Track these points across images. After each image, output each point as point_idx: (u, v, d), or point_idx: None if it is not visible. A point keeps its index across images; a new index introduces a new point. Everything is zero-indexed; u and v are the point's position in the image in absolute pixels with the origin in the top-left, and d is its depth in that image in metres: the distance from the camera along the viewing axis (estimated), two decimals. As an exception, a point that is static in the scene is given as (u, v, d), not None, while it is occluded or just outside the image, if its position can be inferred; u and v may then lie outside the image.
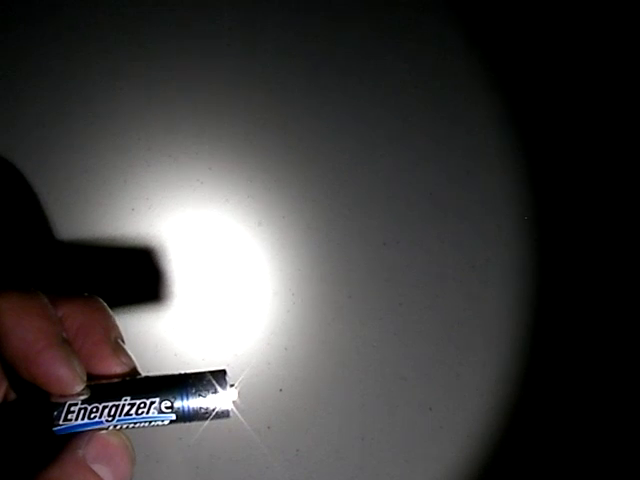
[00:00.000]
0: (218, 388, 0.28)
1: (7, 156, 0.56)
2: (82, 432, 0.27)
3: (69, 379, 0.27)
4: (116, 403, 0.28)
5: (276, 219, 0.58)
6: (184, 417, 0.28)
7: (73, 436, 0.27)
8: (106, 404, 0.28)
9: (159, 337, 0.56)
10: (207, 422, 0.29)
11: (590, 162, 0.61)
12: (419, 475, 0.56)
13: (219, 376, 0.29)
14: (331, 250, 0.59)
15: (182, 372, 0.29)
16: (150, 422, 0.28)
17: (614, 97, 0.62)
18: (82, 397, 0.27)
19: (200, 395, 0.28)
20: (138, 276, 0.57)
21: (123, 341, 0.31)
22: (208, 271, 0.57)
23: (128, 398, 0.28)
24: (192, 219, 0.58)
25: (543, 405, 0.58)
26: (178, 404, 0.28)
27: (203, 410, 0.28)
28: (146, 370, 0.31)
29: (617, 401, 0.58)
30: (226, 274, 0.57)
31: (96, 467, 0.27)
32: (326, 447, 0.56)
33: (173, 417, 0.28)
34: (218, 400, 0.28)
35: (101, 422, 0.27)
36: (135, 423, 0.28)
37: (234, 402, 0.29)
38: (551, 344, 0.59)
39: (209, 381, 0.29)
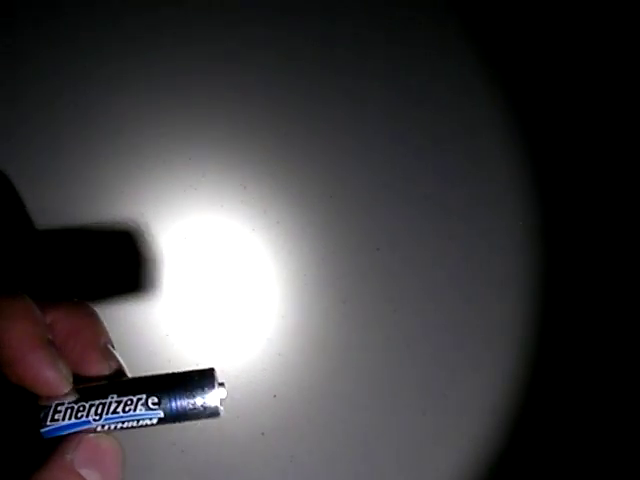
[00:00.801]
0: (206, 386, 0.28)
1: (2, 165, 0.56)
2: (71, 436, 0.27)
3: (56, 381, 0.27)
4: (103, 401, 0.28)
5: (270, 225, 0.59)
6: (172, 415, 0.28)
7: (62, 440, 0.27)
8: (93, 402, 0.28)
9: (153, 344, 0.56)
10: (197, 422, 0.28)
11: (593, 164, 0.61)
12: (409, 473, 0.56)
13: (207, 374, 0.29)
14: (325, 255, 0.59)
15: (170, 372, 0.29)
16: (138, 420, 0.28)
17: (616, 99, 0.62)
18: (70, 399, 0.27)
19: (188, 393, 0.28)
20: (132, 284, 0.57)
21: (113, 346, 0.31)
22: (202, 277, 0.57)
23: (115, 396, 0.28)
24: (186, 225, 0.58)
25: (542, 409, 0.58)
26: (166, 401, 0.28)
27: (191, 408, 0.28)
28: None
29: (620, 405, 0.58)
30: (220, 280, 0.57)
31: (85, 472, 0.26)
32: (321, 454, 0.56)
33: (161, 414, 0.28)
34: (207, 398, 0.28)
35: (88, 421, 0.27)
36: (123, 422, 0.28)
37: (223, 400, 0.29)
38: (551, 347, 0.59)
39: (197, 379, 0.28)
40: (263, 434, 0.55)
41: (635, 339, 0.58)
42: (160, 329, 0.56)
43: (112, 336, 0.31)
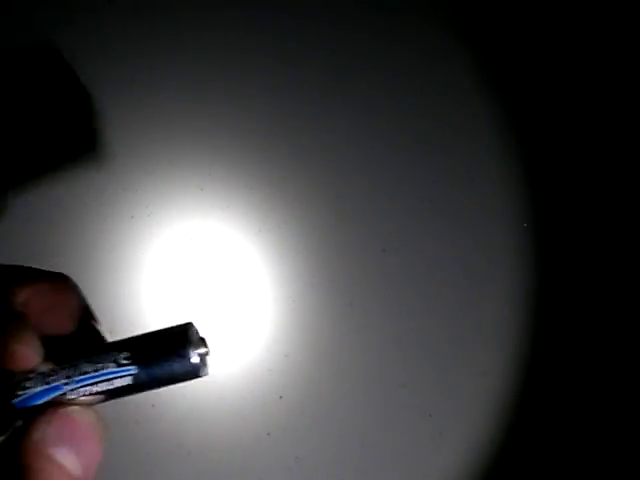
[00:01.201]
0: (183, 340, 0.25)
1: (6, 162, 0.56)
2: (43, 413, 0.25)
3: (26, 354, 0.25)
4: (73, 363, 0.26)
5: (276, 227, 0.59)
6: (148, 373, 0.25)
7: (34, 418, 0.25)
8: (64, 366, 0.26)
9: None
10: (177, 384, 0.26)
11: (590, 167, 0.61)
12: (412, 474, 0.56)
13: (184, 328, 0.26)
14: (331, 257, 0.59)
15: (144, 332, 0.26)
16: (110, 379, 0.25)
17: (614, 102, 0.62)
18: (42, 369, 0.26)
19: (164, 348, 0.25)
20: (137, 285, 0.57)
21: (97, 321, 0.29)
22: (208, 278, 0.57)
23: (86, 357, 0.26)
24: (192, 226, 0.58)
25: (544, 411, 0.57)
26: (139, 356, 0.25)
27: (167, 363, 0.25)
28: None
29: (617, 404, 0.58)
30: (226, 281, 0.57)
31: (56, 450, 0.24)
32: (326, 454, 0.56)
33: (133, 370, 0.25)
34: (184, 353, 0.25)
35: (59, 387, 0.26)
36: (95, 383, 0.25)
37: (204, 356, 0.26)
38: (552, 350, 0.58)
39: (174, 334, 0.25)
40: (269, 434, 0.56)
41: (632, 339, 0.58)
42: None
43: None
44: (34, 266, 0.29)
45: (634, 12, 0.62)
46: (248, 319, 0.57)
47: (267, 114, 0.60)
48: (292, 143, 0.60)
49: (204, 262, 0.58)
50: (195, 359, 0.25)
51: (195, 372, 0.25)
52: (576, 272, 0.60)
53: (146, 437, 0.54)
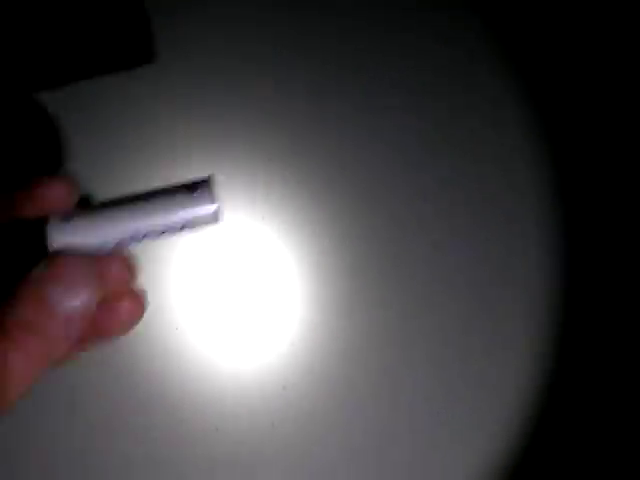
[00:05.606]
0: (201, 190, 0.28)
1: (7, 156, 0.56)
2: (47, 257, 0.27)
3: (64, 192, 0.27)
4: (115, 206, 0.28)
5: (282, 212, 0.58)
6: (169, 223, 0.28)
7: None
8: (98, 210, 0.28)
9: (163, 335, 0.55)
10: (194, 229, 0.29)
11: (607, 161, 0.60)
12: (424, 475, 0.56)
13: (203, 181, 0.29)
14: (336, 246, 0.58)
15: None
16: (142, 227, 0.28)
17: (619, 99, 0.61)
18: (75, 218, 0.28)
19: (183, 196, 0.28)
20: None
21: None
22: (213, 267, 0.57)
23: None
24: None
25: (551, 405, 0.57)
26: (160, 206, 0.28)
27: (185, 212, 0.28)
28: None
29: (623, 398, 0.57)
30: (231, 270, 0.57)
31: (50, 290, 0.25)
32: (330, 447, 0.55)
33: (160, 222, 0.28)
34: (202, 200, 0.28)
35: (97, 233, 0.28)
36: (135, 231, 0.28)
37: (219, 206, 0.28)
38: (561, 344, 0.58)
39: (192, 186, 0.29)
40: (273, 425, 0.55)
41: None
42: (171, 320, 0.56)
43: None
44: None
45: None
46: (252, 307, 0.57)
47: (274, 92, 0.59)
48: (298, 135, 0.59)
49: (209, 250, 0.57)
50: (216, 207, 0.28)
51: (214, 220, 0.28)
52: (597, 264, 0.59)
53: (146, 429, 0.54)
